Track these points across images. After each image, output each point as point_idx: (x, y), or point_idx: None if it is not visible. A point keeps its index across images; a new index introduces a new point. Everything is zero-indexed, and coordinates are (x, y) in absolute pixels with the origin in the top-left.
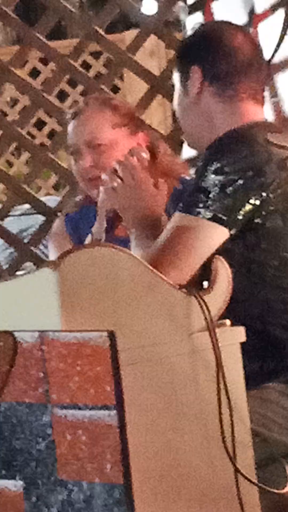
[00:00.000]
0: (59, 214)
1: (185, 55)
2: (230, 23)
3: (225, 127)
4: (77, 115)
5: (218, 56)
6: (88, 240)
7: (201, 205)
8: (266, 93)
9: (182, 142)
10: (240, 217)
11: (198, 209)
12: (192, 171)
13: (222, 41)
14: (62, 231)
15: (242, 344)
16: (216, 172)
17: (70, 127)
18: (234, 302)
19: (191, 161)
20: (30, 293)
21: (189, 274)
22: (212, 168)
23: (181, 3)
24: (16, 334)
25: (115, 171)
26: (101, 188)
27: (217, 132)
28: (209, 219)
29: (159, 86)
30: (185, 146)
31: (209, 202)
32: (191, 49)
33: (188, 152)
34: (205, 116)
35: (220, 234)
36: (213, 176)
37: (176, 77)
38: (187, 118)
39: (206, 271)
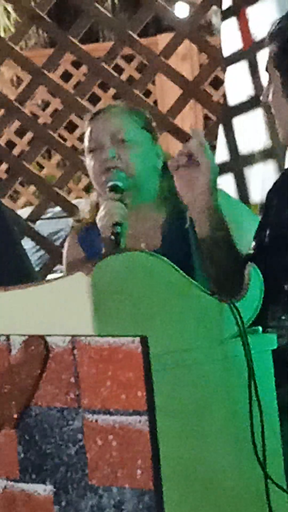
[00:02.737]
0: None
1: None
2: None
3: None
4: (102, 112)
5: None
6: None
7: None
8: None
9: (214, 147)
10: None
11: None
12: (225, 176)
13: None
14: (76, 246)
15: None
16: None
17: (92, 124)
18: None
19: (223, 166)
20: (62, 297)
21: None
22: None
23: (214, 7)
24: (48, 338)
25: (188, 156)
26: (103, 204)
27: None
28: None
29: (191, 91)
30: (217, 150)
31: None
32: None
33: (221, 156)
34: None
35: None
36: None
37: (274, 73)
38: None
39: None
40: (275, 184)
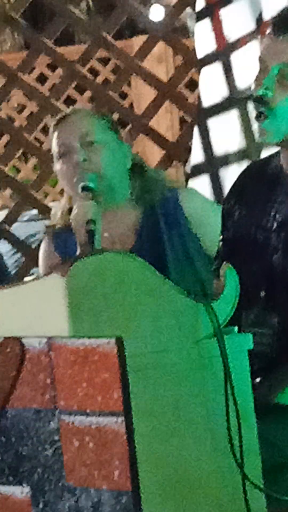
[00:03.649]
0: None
1: None
2: None
3: None
4: (67, 117)
5: None
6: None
7: None
8: None
9: (190, 148)
10: None
11: None
12: (200, 178)
13: None
14: (51, 251)
15: None
16: None
17: (59, 129)
18: None
19: (198, 167)
20: (38, 299)
21: None
22: None
23: (188, 10)
24: (24, 340)
25: None
26: (75, 204)
27: None
28: None
29: (166, 93)
30: (193, 151)
31: None
32: None
33: (196, 158)
34: None
35: None
36: None
37: None
38: None
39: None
40: (236, 182)
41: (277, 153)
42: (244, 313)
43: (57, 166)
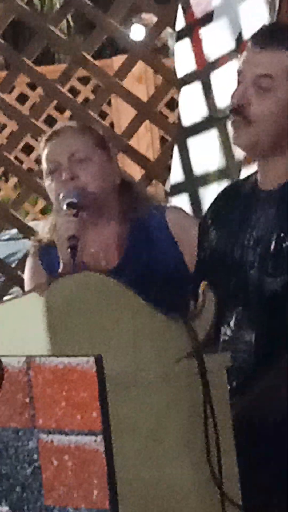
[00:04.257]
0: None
1: None
2: None
3: None
4: (58, 133)
5: None
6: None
7: None
8: None
9: (169, 167)
10: None
11: None
12: (180, 197)
13: None
14: (38, 267)
15: None
16: None
17: (49, 146)
18: None
19: (178, 186)
20: (17, 318)
21: None
22: None
23: (169, 29)
24: (2, 359)
25: None
26: (59, 220)
27: None
28: None
29: (147, 112)
30: (172, 170)
31: None
32: None
33: (176, 177)
34: None
35: None
36: None
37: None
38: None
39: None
40: (213, 203)
41: (255, 172)
42: (221, 329)
43: (46, 182)
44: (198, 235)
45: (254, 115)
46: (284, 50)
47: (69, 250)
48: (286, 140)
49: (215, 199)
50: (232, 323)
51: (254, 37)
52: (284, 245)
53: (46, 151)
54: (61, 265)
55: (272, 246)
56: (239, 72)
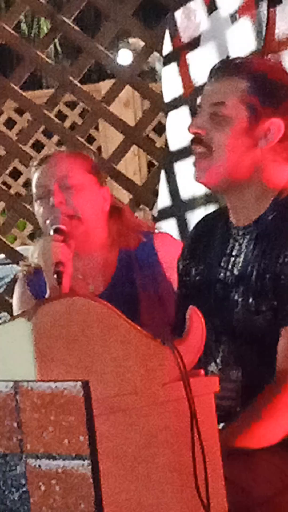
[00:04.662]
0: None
1: (272, 101)
2: None
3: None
4: (48, 158)
5: None
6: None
7: None
8: None
9: (157, 192)
10: None
11: None
12: (167, 221)
13: None
14: (26, 293)
15: None
16: None
17: (39, 171)
18: None
19: (165, 211)
20: (4, 343)
21: None
22: None
23: (156, 54)
24: None
25: None
26: (43, 245)
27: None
28: None
29: (134, 136)
30: (160, 195)
31: None
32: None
33: (163, 201)
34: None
35: None
36: None
37: (240, 110)
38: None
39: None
40: (186, 241)
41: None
42: (208, 366)
43: (36, 207)
44: (178, 271)
45: (212, 141)
46: (235, 78)
47: (55, 275)
48: (247, 168)
49: (191, 234)
50: (218, 360)
51: (210, 72)
52: (264, 281)
53: (35, 176)
54: (48, 291)
55: (253, 284)
56: (198, 106)
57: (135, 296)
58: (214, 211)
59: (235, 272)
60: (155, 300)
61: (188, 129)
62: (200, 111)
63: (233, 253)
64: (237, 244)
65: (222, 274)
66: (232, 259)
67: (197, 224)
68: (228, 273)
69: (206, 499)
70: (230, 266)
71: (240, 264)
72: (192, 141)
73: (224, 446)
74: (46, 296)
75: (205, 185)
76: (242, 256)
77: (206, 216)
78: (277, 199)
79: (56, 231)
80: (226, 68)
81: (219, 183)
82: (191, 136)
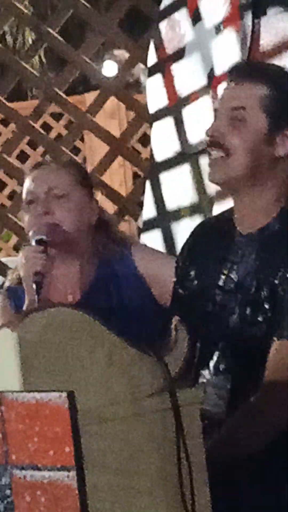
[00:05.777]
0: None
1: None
2: None
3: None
4: (40, 165)
5: None
6: (24, 307)
7: None
8: None
9: (142, 203)
10: None
11: None
12: (152, 232)
13: None
14: (6, 307)
15: None
16: None
17: (29, 178)
18: None
19: (151, 222)
20: None
21: None
22: None
23: (141, 65)
24: None
25: None
26: (24, 255)
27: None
28: None
29: (119, 148)
30: (145, 207)
31: None
32: None
33: (148, 212)
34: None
35: None
36: None
37: (260, 116)
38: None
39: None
40: (189, 239)
41: (230, 209)
42: (199, 372)
43: (23, 212)
44: (176, 272)
45: (230, 145)
46: (256, 84)
47: (34, 285)
48: (263, 174)
49: (191, 236)
50: (211, 366)
51: (230, 74)
52: (262, 292)
53: (27, 181)
54: (26, 301)
55: (252, 294)
56: (215, 110)
57: (110, 307)
58: (217, 215)
59: (235, 279)
60: (132, 311)
61: (207, 133)
62: (219, 115)
63: (233, 259)
64: (240, 251)
65: (221, 280)
66: (231, 264)
67: (198, 225)
68: (227, 279)
69: (192, 509)
70: (228, 271)
71: (241, 272)
72: (210, 144)
73: (224, 447)
74: (24, 307)
75: (219, 185)
76: (244, 264)
77: (209, 218)
78: (284, 208)
79: (38, 242)
80: (246, 72)
81: (234, 181)
82: (207, 139)
